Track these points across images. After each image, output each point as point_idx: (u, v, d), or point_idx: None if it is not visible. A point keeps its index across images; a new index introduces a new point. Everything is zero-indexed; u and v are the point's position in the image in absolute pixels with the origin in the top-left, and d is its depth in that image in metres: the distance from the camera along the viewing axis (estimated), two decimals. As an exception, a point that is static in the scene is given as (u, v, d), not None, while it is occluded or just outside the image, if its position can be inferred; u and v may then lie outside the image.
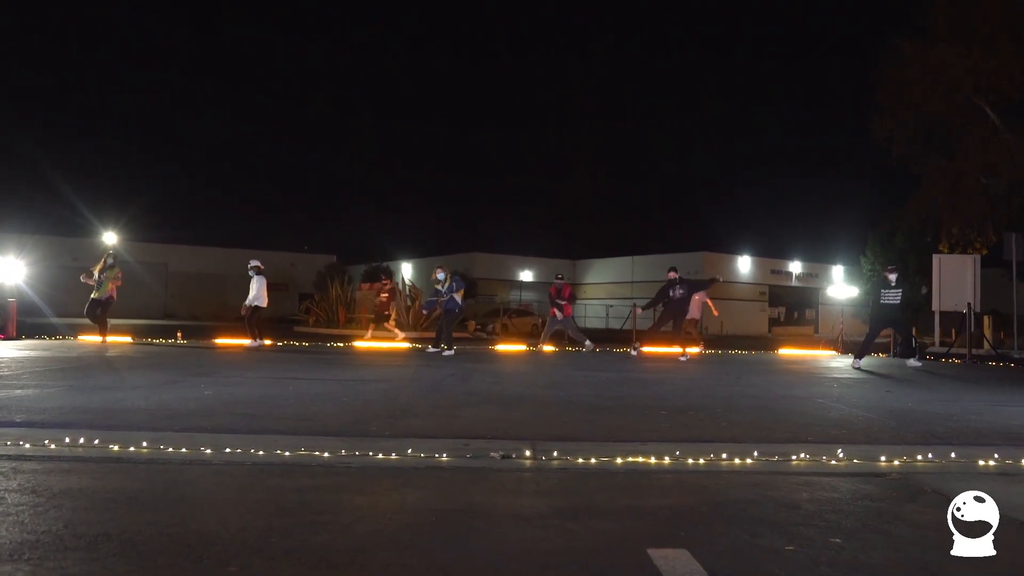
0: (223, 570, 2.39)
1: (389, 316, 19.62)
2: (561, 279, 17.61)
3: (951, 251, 25.39)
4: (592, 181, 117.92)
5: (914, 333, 19.46)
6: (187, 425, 5.45)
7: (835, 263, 53.39)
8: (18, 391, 7.03)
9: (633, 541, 2.76)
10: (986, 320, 21.28)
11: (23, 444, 4.61)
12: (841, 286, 43.12)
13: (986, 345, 18.92)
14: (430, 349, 14.77)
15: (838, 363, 15.07)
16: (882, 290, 13.31)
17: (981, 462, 4.80)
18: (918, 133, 26.50)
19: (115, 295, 15.67)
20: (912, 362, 13.57)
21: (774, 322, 52.22)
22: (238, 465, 4.23)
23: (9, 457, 4.24)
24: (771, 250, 53.79)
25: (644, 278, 49.28)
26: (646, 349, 15.56)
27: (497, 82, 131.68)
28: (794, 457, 4.78)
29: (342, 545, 2.70)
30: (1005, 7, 22.82)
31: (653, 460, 4.60)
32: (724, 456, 4.70)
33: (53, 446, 4.64)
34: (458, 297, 14.96)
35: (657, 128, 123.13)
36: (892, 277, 13.28)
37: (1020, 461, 4.83)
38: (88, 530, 2.75)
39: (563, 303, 16.85)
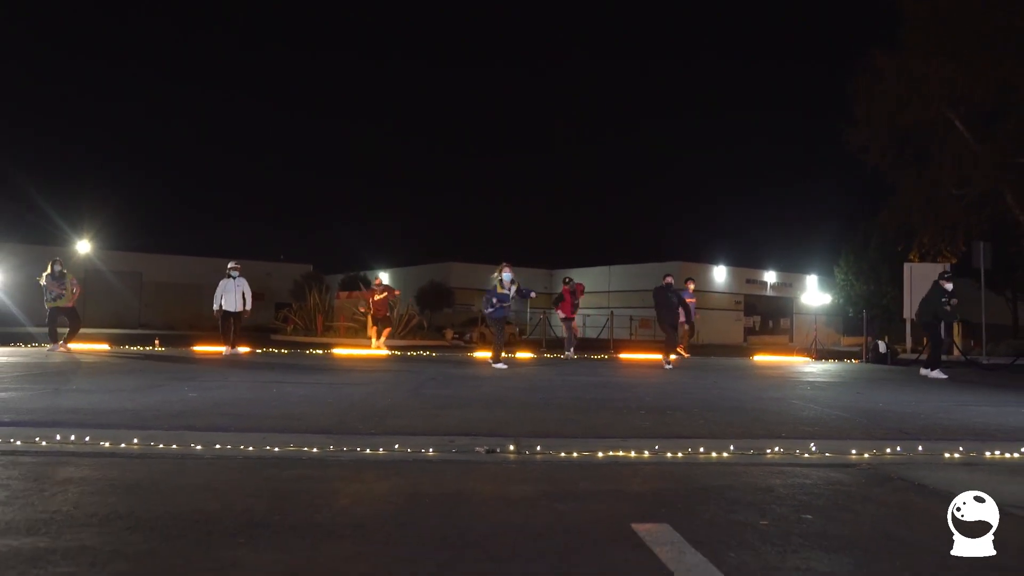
0: (232, 541, 2.52)
1: (389, 318, 19.53)
2: (570, 281, 18.07)
3: (922, 260, 25.84)
4: (569, 192, 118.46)
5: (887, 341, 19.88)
6: (175, 424, 5.52)
7: (809, 272, 54.08)
8: (2, 393, 7.05)
9: (618, 518, 2.91)
10: (956, 327, 21.70)
11: (14, 441, 4.66)
12: (815, 293, 43.73)
13: (955, 352, 19.30)
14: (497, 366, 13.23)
15: (811, 368, 15.36)
16: (942, 299, 13.39)
17: (947, 455, 5.00)
18: (892, 144, 26.93)
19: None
20: (937, 373, 13.08)
21: (749, 331, 52.72)
22: (230, 459, 4.32)
23: (3, 452, 4.30)
24: (746, 260, 54.41)
25: (621, 287, 49.64)
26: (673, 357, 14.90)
27: (473, 93, 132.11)
28: (768, 451, 4.95)
29: (343, 521, 2.84)
30: (975, 23, 23.38)
31: (633, 454, 4.75)
32: (702, 450, 4.86)
33: (44, 443, 4.70)
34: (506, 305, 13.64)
35: (633, 139, 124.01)
36: (949, 286, 13.48)
37: (983, 453, 5.05)
38: (98, 510, 2.87)
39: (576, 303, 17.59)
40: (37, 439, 4.77)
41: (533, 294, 14.24)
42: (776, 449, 5.00)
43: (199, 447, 4.72)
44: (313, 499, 3.18)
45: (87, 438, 4.83)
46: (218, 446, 4.76)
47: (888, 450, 5.05)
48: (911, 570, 2.44)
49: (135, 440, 4.81)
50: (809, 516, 2.99)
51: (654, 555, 2.45)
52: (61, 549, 2.39)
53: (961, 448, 5.15)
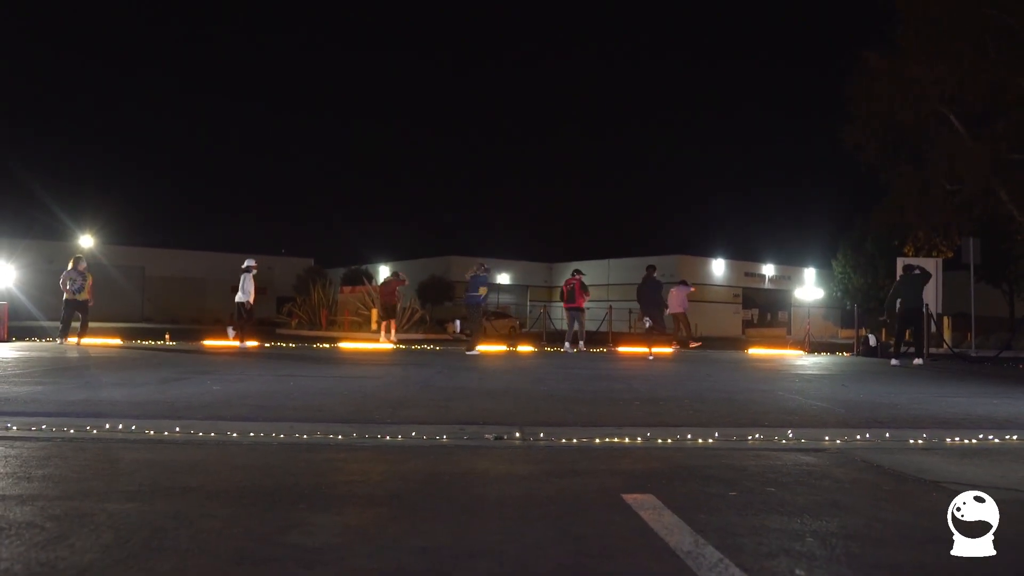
0: (294, 506, 3.07)
1: (395, 308, 20.46)
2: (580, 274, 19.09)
3: (917, 255, 26.30)
4: (569, 186, 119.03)
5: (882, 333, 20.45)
6: (208, 415, 6.00)
7: (807, 266, 54.64)
8: (38, 387, 7.50)
9: (610, 490, 3.47)
10: (945, 321, 22.22)
11: (67, 430, 5.14)
12: (809, 288, 44.31)
13: (944, 346, 19.84)
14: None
15: (803, 362, 15.88)
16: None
17: (911, 441, 5.52)
18: (887, 142, 27.34)
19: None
20: (901, 361, 14.75)
21: (747, 324, 53.27)
22: (266, 445, 4.83)
23: (64, 440, 4.80)
24: (745, 253, 55.01)
25: (620, 281, 50.12)
26: (657, 351, 16.16)
27: (473, 87, 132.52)
28: (749, 437, 5.46)
29: (379, 492, 3.40)
30: (969, 23, 23.79)
31: (627, 440, 5.27)
32: (689, 436, 5.38)
33: (95, 432, 5.18)
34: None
35: (633, 134, 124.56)
36: None
37: (944, 440, 5.56)
38: (173, 484, 3.40)
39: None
40: (88, 428, 5.27)
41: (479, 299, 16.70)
42: (756, 436, 5.51)
43: (235, 435, 5.22)
44: (349, 476, 3.72)
45: (133, 427, 5.33)
46: (252, 434, 5.25)
47: (858, 437, 5.57)
48: (843, 525, 3.00)
49: (176, 429, 5.31)
50: (772, 489, 3.54)
51: (638, 516, 2.99)
52: (159, 511, 2.93)
53: (925, 435, 5.66)
